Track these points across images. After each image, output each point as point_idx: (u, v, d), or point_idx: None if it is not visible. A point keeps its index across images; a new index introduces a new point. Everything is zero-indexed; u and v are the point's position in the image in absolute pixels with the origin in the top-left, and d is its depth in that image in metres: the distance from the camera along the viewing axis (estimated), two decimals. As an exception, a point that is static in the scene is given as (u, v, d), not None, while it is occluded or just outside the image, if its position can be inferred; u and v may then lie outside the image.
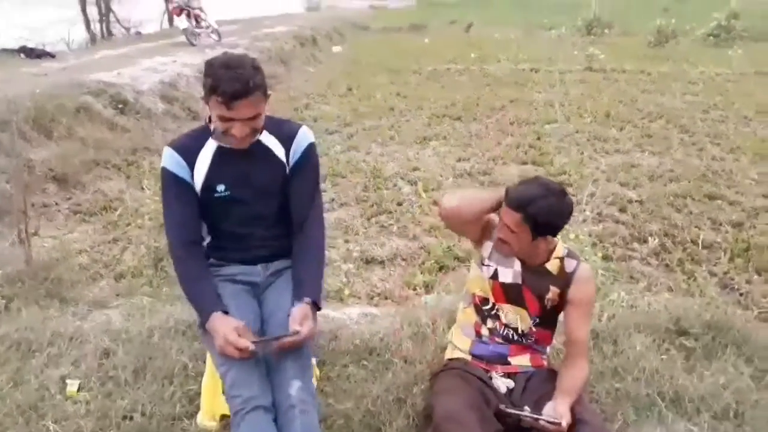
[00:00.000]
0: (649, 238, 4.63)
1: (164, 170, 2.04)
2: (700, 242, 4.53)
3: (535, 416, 1.90)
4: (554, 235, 2.05)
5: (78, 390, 2.32)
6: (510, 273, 2.13)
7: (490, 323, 2.19)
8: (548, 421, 1.86)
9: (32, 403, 2.24)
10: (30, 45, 11.11)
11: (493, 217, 2.14)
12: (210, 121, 2.01)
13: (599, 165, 6.47)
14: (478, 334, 2.21)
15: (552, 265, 2.09)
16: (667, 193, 5.62)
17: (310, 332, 1.90)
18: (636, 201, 5.45)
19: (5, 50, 10.69)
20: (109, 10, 16.96)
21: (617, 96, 10.36)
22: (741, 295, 3.81)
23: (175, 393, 2.30)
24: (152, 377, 2.38)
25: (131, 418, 2.17)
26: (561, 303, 2.11)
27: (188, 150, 2.03)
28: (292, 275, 2.09)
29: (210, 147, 2.02)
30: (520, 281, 2.12)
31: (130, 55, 10.85)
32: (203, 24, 13.24)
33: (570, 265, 2.10)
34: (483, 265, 2.18)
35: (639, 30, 21.19)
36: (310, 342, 1.96)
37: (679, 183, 5.92)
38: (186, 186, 2.02)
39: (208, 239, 2.14)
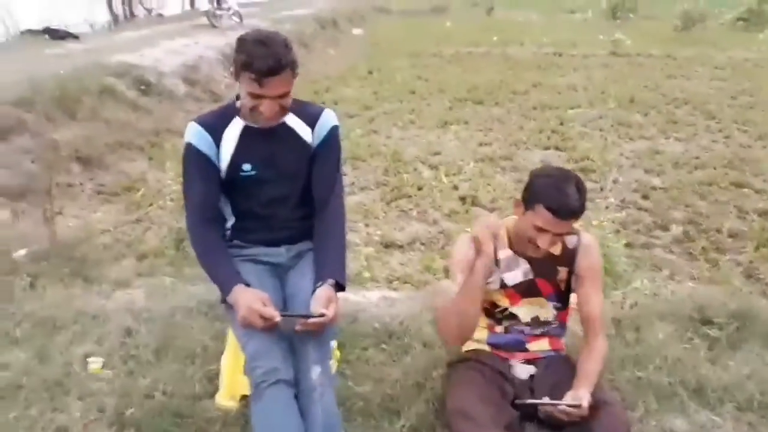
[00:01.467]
0: (673, 225, 4.58)
1: (189, 145, 2.01)
2: (724, 230, 4.46)
3: (554, 403, 1.88)
4: None
5: (101, 368, 2.36)
6: (519, 273, 2.10)
7: (505, 323, 2.17)
8: (569, 405, 1.84)
9: (57, 379, 2.28)
10: (53, 26, 11.17)
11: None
12: (238, 98, 2.00)
13: (623, 151, 6.39)
14: (493, 331, 2.19)
15: (555, 248, 2.06)
16: (691, 180, 5.54)
17: (335, 315, 1.90)
18: (660, 188, 5.38)
19: (30, 31, 10.75)
20: (131, -9, 16.97)
21: (642, 81, 10.19)
22: (766, 284, 3.75)
23: (196, 373, 2.32)
24: (174, 356, 2.40)
25: (153, 396, 2.20)
26: (569, 279, 2.10)
27: (214, 127, 2.01)
28: (314, 257, 2.08)
29: (236, 126, 2.01)
30: (531, 276, 2.09)
31: (153, 37, 10.90)
32: (224, 6, 13.27)
33: (572, 240, 2.08)
34: (486, 283, 2.08)
35: (665, 14, 20.78)
36: (332, 325, 1.95)
37: (705, 170, 5.83)
38: (209, 163, 2.01)
39: (231, 221, 2.13)
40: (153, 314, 2.67)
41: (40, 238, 3.46)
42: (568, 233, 2.04)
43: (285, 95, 1.91)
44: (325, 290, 1.92)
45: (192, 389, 2.23)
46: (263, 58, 1.81)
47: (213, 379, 2.28)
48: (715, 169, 5.86)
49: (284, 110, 1.96)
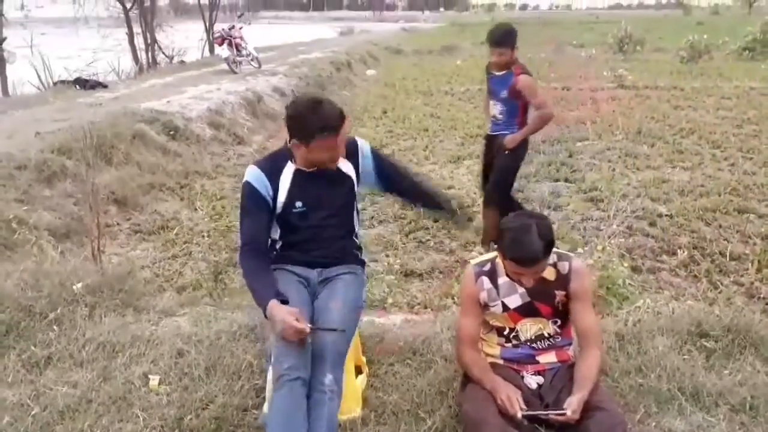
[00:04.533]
0: (678, 250, 4.80)
1: (247, 184, 2.38)
2: (727, 254, 4.69)
3: (545, 413, 2.14)
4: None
5: (159, 384, 2.65)
6: (517, 297, 2.37)
7: (514, 341, 2.42)
8: (556, 414, 2.10)
9: (120, 395, 2.57)
10: (84, 76, 11.79)
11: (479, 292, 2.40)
12: (289, 143, 2.34)
13: (630, 181, 6.63)
14: (504, 347, 2.45)
15: (548, 274, 2.33)
16: (696, 207, 5.76)
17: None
18: (666, 215, 5.61)
19: (62, 82, 11.37)
20: (154, 40, 17.77)
21: (649, 113, 10.48)
22: (767, 304, 3.97)
23: (244, 386, 2.61)
24: (222, 373, 2.70)
25: (207, 407, 2.48)
26: (568, 301, 2.36)
27: (272, 170, 2.39)
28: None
29: (290, 169, 2.39)
30: (528, 299, 2.36)
31: (177, 84, 11.43)
32: (243, 52, 13.79)
33: (563, 266, 2.34)
34: (489, 308, 2.40)
35: (671, 46, 21.17)
36: (339, 343, 2.23)
37: (710, 197, 6.05)
38: (263, 201, 2.37)
39: (279, 244, 2.49)
40: (200, 337, 2.97)
41: (90, 273, 3.79)
42: (542, 270, 2.29)
43: (342, 143, 2.35)
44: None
45: (241, 401, 2.52)
46: (329, 112, 2.24)
47: (259, 392, 2.57)
48: (719, 195, 6.08)
49: (343, 150, 2.39)
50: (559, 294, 2.34)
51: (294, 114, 2.25)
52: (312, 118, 2.20)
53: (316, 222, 2.42)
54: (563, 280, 2.33)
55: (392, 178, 2.66)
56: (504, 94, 4.40)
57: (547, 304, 2.35)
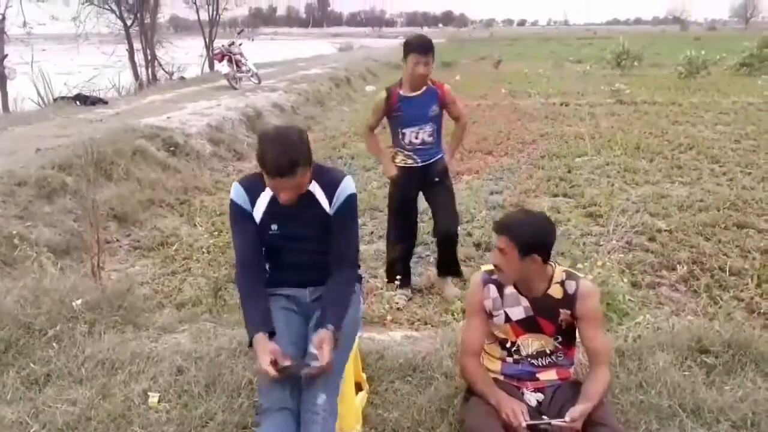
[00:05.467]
0: (678, 265, 4.81)
1: (232, 202, 2.41)
2: (727, 269, 4.70)
3: (547, 421, 2.14)
4: (541, 254, 2.25)
5: (158, 401, 2.64)
6: (520, 310, 2.36)
7: (515, 355, 2.42)
8: (559, 422, 2.10)
9: (120, 412, 2.56)
10: (84, 92, 11.85)
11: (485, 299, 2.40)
12: None
13: (629, 196, 6.66)
14: (505, 362, 2.44)
15: (554, 291, 2.33)
16: (696, 222, 5.78)
17: (329, 357, 2.14)
18: (665, 230, 5.63)
19: (62, 98, 11.43)
20: (154, 56, 17.88)
21: (647, 128, 10.54)
22: (767, 319, 3.97)
23: (243, 403, 2.60)
24: (222, 390, 2.69)
25: (206, 425, 2.48)
26: (573, 320, 2.35)
27: (251, 189, 2.40)
28: (321, 305, 2.38)
29: (267, 193, 2.38)
30: (532, 313, 2.35)
31: (176, 100, 11.49)
32: (243, 68, 13.87)
33: (571, 286, 2.33)
34: (492, 317, 2.40)
35: (669, 61, 21.31)
36: (330, 369, 2.18)
37: (708, 212, 6.07)
38: (248, 216, 2.39)
39: (268, 266, 2.50)
40: (200, 354, 2.96)
41: (89, 289, 3.78)
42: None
43: (300, 186, 2.27)
44: (320, 334, 2.20)
45: (241, 418, 2.51)
46: (275, 160, 2.15)
47: (259, 410, 2.55)
48: (718, 210, 6.10)
49: (301, 191, 2.31)
50: (564, 313, 2.33)
51: (258, 142, 2.25)
52: (262, 159, 2.18)
53: (295, 246, 2.42)
54: (569, 299, 2.33)
55: (332, 235, 2.43)
56: (434, 110, 3.98)
57: (551, 322, 2.35)
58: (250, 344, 2.22)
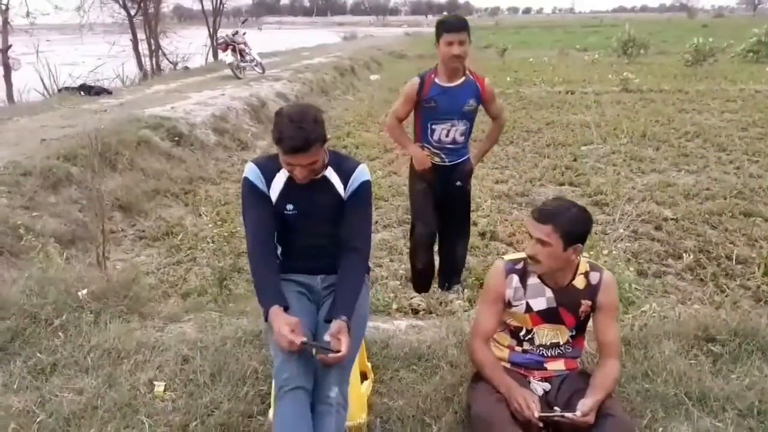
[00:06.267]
0: (684, 254, 4.79)
1: (246, 180, 2.39)
2: (734, 257, 4.67)
3: (560, 413, 2.12)
4: (582, 243, 2.23)
5: (164, 390, 2.65)
6: (543, 300, 2.33)
7: (526, 345, 2.40)
8: (565, 415, 2.08)
9: (126, 401, 2.57)
10: (89, 83, 11.84)
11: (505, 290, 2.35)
12: None
13: (635, 184, 6.63)
14: (513, 350, 2.43)
15: (579, 282, 2.31)
16: (702, 210, 5.75)
17: (347, 349, 2.13)
18: (671, 219, 5.60)
19: (67, 88, 11.42)
20: (158, 46, 17.85)
21: (653, 116, 10.48)
22: (774, 307, 3.95)
23: (249, 392, 2.60)
24: (227, 379, 2.69)
25: (212, 413, 2.48)
26: (590, 312, 2.34)
27: (267, 170, 2.40)
28: (334, 294, 2.37)
29: (283, 174, 2.37)
30: (555, 304, 2.33)
31: (181, 90, 11.46)
32: (247, 58, 13.82)
33: (594, 277, 2.32)
34: (512, 306, 2.35)
35: (676, 49, 21.14)
36: (346, 357, 2.17)
37: (715, 201, 6.04)
38: (262, 195, 2.38)
39: (279, 250, 2.49)
40: (205, 343, 2.97)
41: (96, 279, 3.79)
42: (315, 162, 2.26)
43: (314, 163, 2.26)
44: (337, 324, 2.18)
45: (246, 407, 2.51)
46: (291, 137, 2.15)
47: (264, 398, 2.57)
48: (725, 199, 6.07)
49: (316, 172, 2.32)
50: (585, 303, 2.31)
51: (274, 120, 2.24)
52: (279, 135, 2.18)
53: (310, 228, 2.42)
54: (592, 289, 2.31)
55: (344, 221, 2.41)
56: (471, 104, 3.62)
57: (572, 314, 2.33)
58: (266, 318, 2.21)
